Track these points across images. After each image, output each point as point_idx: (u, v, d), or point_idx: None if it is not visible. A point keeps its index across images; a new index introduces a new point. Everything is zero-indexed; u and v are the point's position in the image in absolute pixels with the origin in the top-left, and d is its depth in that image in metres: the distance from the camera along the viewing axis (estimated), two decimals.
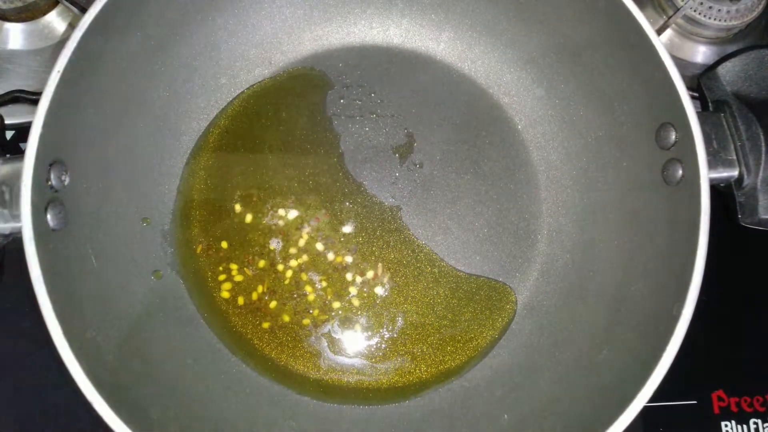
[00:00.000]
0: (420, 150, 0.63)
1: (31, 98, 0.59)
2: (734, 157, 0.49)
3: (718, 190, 0.50)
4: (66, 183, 0.46)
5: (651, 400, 0.42)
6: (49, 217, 0.44)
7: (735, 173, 0.49)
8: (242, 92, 0.63)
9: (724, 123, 0.50)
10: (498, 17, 0.62)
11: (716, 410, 0.60)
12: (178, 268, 0.57)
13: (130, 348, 0.49)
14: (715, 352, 0.61)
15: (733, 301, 0.63)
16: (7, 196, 0.44)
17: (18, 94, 0.59)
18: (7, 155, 0.46)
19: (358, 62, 0.65)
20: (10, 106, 0.59)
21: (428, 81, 0.65)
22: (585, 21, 0.54)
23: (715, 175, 0.48)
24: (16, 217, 0.42)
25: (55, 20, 0.64)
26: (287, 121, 0.63)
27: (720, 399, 0.60)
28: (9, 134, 0.60)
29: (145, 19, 0.53)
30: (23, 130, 0.60)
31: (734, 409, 0.60)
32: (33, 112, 0.43)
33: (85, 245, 0.48)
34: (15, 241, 0.44)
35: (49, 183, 0.44)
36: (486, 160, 0.63)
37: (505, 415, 0.52)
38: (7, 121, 0.51)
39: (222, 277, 0.58)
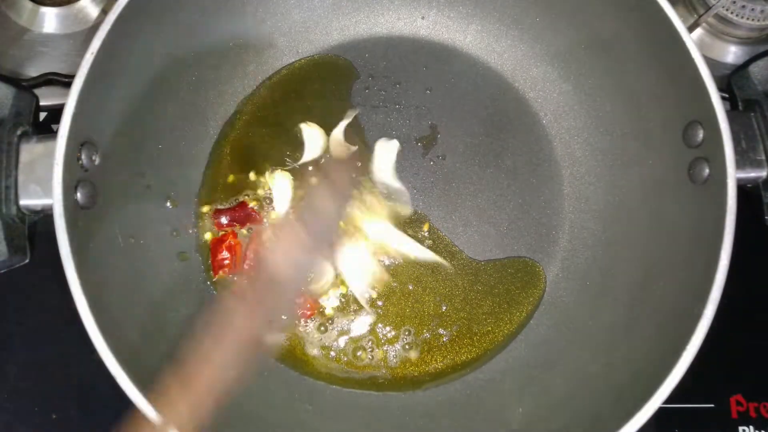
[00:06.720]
0: (443, 142, 0.63)
1: (64, 81, 0.61)
2: (763, 158, 0.48)
3: (744, 190, 0.50)
4: (96, 163, 0.47)
5: (667, 401, 0.42)
6: (78, 195, 0.45)
7: (763, 174, 0.48)
8: (269, 80, 0.64)
9: (754, 123, 0.49)
10: (526, 10, 0.62)
11: (734, 415, 0.59)
12: (202, 251, 0.58)
13: (154, 325, 0.50)
14: (736, 354, 0.60)
15: (756, 302, 0.61)
16: (40, 174, 0.45)
17: (52, 77, 0.61)
18: (41, 135, 0.47)
19: (384, 53, 0.65)
20: (44, 88, 0.60)
21: (453, 73, 0.65)
22: (615, 16, 0.54)
23: (743, 175, 0.47)
24: (48, 193, 0.43)
25: (89, 5, 0.66)
26: (312, 110, 0.63)
27: (738, 403, 0.59)
28: (42, 115, 0.62)
29: (175, 5, 0.54)
30: (56, 112, 0.61)
31: (752, 414, 0.59)
32: (66, 94, 0.45)
33: (113, 224, 0.50)
34: (46, 219, 0.45)
35: (80, 162, 0.46)
36: (509, 154, 0.62)
37: (520, 409, 0.53)
38: (41, 103, 0.52)
39: None
